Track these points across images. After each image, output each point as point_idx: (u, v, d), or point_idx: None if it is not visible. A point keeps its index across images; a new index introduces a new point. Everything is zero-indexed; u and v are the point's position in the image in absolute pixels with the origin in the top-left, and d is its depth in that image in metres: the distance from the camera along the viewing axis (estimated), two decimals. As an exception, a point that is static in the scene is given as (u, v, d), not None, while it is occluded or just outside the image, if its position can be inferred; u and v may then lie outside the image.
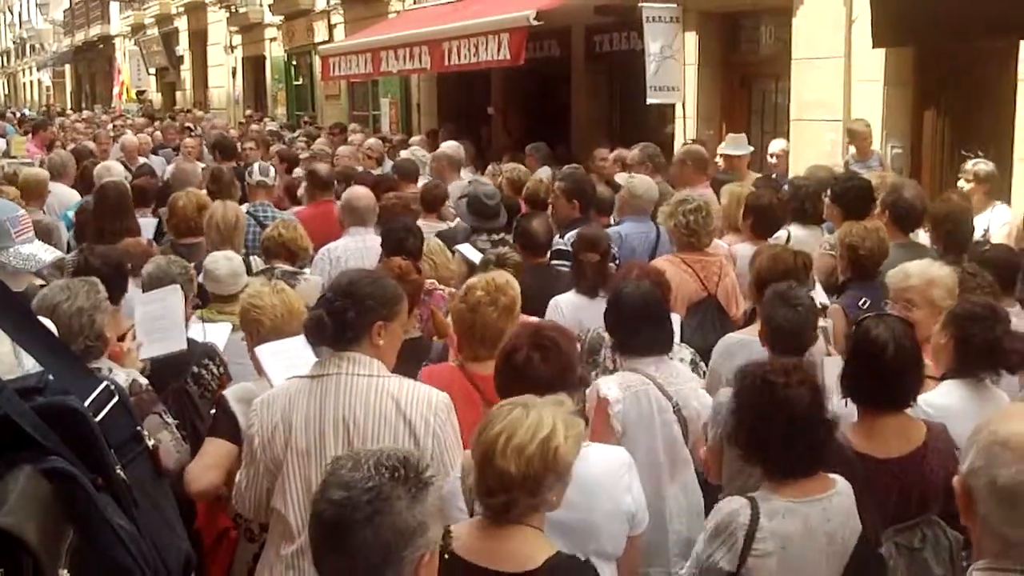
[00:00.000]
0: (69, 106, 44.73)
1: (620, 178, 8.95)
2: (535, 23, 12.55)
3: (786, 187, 8.17)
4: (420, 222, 7.51)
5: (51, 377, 1.85)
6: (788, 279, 5.05)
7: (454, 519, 3.31)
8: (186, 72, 34.43)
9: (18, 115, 33.09)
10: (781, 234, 7.05)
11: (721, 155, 10.43)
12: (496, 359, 3.91)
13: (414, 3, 19.47)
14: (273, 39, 26.85)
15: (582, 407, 3.17)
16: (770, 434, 3.50)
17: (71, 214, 8.90)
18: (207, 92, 32.29)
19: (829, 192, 7.22)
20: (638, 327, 4.66)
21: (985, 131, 9.99)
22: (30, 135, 18.73)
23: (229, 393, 4.33)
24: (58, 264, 5.53)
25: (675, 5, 12.91)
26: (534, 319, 4.82)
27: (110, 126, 22.63)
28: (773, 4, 12.20)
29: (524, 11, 12.85)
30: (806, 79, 11.53)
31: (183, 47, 34.23)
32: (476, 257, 6.50)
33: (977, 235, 7.19)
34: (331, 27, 22.92)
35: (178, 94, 35.30)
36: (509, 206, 8.28)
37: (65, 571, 1.66)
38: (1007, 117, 9.41)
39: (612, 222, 8.03)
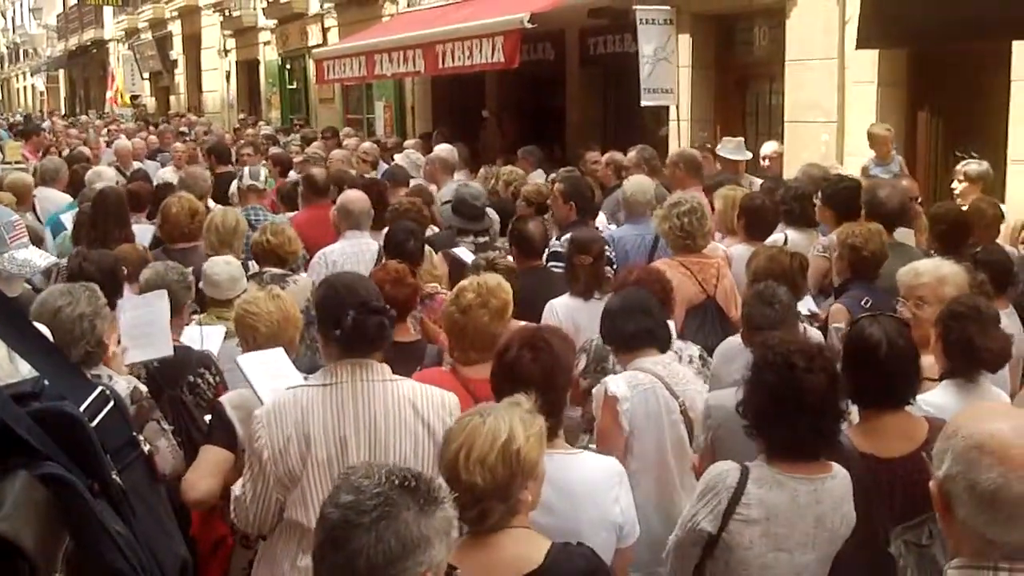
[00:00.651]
0: (63, 110, 44.70)
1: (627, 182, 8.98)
2: (529, 26, 12.56)
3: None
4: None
5: (46, 382, 1.85)
6: (785, 281, 5.07)
7: None
8: (180, 76, 34.41)
9: (11, 120, 33.06)
10: (778, 237, 7.05)
11: (717, 157, 10.46)
12: (492, 360, 3.91)
13: (408, 6, 19.48)
14: (267, 43, 26.85)
15: (538, 404, 3.15)
16: (778, 414, 3.52)
17: (65, 219, 8.86)
18: (201, 96, 32.28)
19: (820, 194, 7.23)
20: (624, 321, 4.65)
21: (979, 132, 10.03)
22: (23, 141, 18.70)
23: (226, 400, 4.30)
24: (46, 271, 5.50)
25: (668, 7, 12.92)
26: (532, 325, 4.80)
27: (104, 131, 22.61)
28: (766, 6, 12.23)
29: (518, 14, 12.87)
30: (800, 81, 11.55)
31: (177, 51, 34.22)
32: (470, 259, 6.51)
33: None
34: (325, 31, 22.93)
35: (172, 98, 35.28)
36: (504, 209, 8.28)
37: (61, 577, 1.66)
38: (1000, 118, 9.44)
39: (598, 225, 8.04)
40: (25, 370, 1.89)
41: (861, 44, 10.01)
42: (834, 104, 11.12)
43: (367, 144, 13.99)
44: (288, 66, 26.30)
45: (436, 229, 8.19)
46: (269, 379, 4.11)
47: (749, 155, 10.63)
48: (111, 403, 1.91)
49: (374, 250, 7.02)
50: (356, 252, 7.12)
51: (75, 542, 1.70)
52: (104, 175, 10.33)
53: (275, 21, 25.60)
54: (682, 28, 13.01)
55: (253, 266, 6.85)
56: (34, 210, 9.76)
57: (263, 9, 25.85)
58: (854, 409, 4.03)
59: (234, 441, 4.12)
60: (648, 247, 7.39)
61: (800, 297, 5.58)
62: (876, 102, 10.71)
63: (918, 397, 4.11)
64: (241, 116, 26.12)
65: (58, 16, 49.65)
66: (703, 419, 4.39)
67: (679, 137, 13.14)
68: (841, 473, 3.59)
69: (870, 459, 3.84)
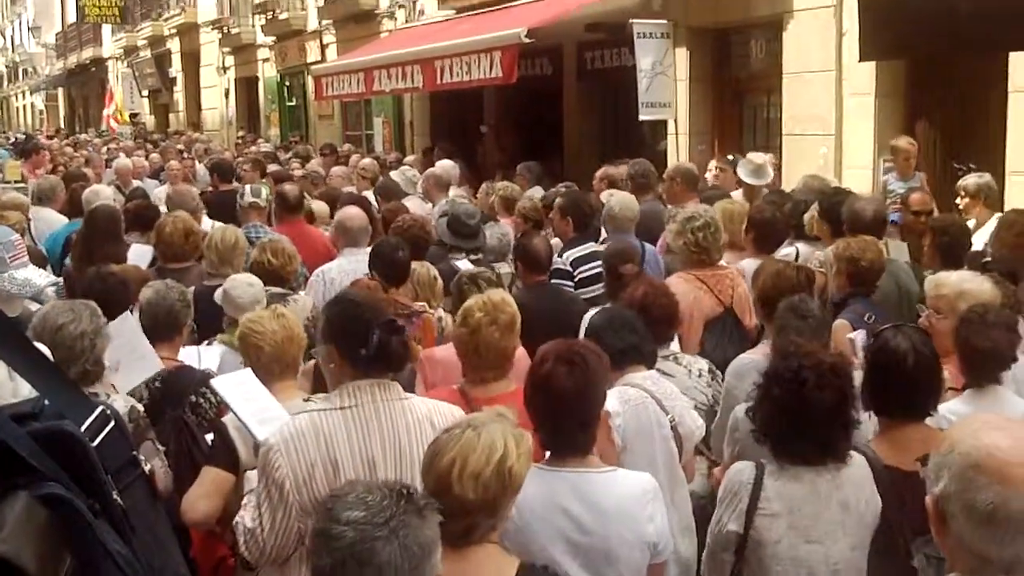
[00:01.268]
0: (63, 127, 44.76)
1: (604, 196, 8.95)
2: (526, 40, 12.57)
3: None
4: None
5: (47, 402, 1.85)
6: (793, 295, 5.07)
7: None
8: (179, 94, 34.48)
9: (12, 138, 33.09)
10: (789, 251, 7.05)
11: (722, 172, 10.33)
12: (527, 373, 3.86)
13: (406, 22, 19.53)
14: (266, 60, 26.90)
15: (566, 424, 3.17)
16: (784, 423, 3.56)
17: (60, 239, 8.85)
18: (200, 113, 32.34)
19: (816, 207, 7.15)
20: (612, 338, 4.58)
21: (977, 143, 10.05)
22: (23, 159, 18.71)
23: (229, 421, 4.23)
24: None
25: (665, 21, 12.97)
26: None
27: (104, 149, 22.63)
28: (763, 19, 12.25)
29: (515, 29, 12.89)
30: (797, 93, 11.57)
31: (176, 69, 34.29)
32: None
33: (979, 247, 7.15)
34: (323, 47, 22.98)
35: (171, 116, 35.35)
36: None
37: (63, 597, 1.66)
38: (999, 129, 9.45)
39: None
40: (25, 390, 1.89)
41: (864, 56, 10.02)
42: (832, 116, 11.13)
43: (367, 160, 14.01)
44: (287, 83, 26.36)
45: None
46: (245, 401, 4.08)
47: (770, 178, 10.05)
48: (112, 422, 1.91)
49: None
50: (354, 269, 7.10)
51: (76, 562, 1.70)
52: (102, 194, 10.30)
53: (274, 38, 25.65)
54: (679, 42, 13.05)
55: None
56: (29, 231, 9.69)
57: (262, 26, 25.91)
58: (873, 420, 4.06)
59: (236, 463, 4.10)
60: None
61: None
62: (874, 114, 10.72)
63: (940, 407, 4.14)
64: (240, 133, 26.15)
65: (57, 35, 49.74)
66: (729, 433, 4.37)
67: (677, 151, 13.16)
68: (858, 460, 3.61)
69: (894, 471, 3.84)
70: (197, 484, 4.15)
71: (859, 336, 5.19)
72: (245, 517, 3.72)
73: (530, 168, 12.28)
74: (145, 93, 36.78)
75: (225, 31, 28.36)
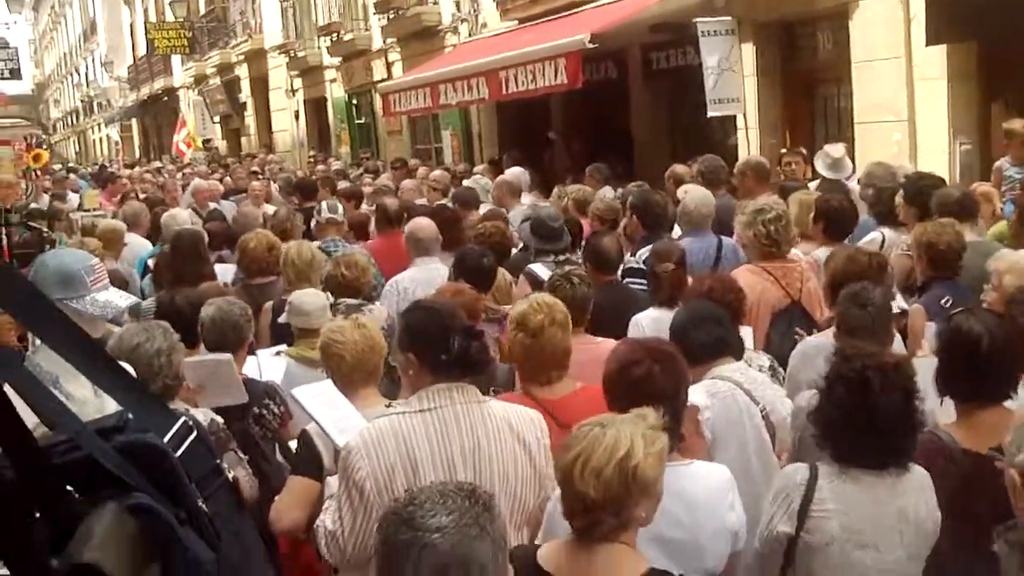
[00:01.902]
0: (138, 156, 45.66)
1: (679, 193, 8.91)
2: (590, 46, 12.57)
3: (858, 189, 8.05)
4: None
5: (130, 416, 1.87)
6: (863, 281, 5.00)
7: (561, 533, 3.26)
8: (250, 118, 34.94)
9: (90, 169, 33.83)
10: (875, 236, 6.98)
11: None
12: (607, 372, 3.84)
13: (469, 35, 19.62)
14: (333, 80, 27.16)
15: (667, 420, 3.13)
16: (848, 428, 3.48)
17: (150, 262, 9.06)
18: (272, 136, 32.74)
19: (902, 193, 7.12)
20: (698, 333, 4.58)
21: (1054, 121, 9.78)
22: (100, 189, 19.13)
23: (312, 430, 4.27)
24: (133, 311, 5.64)
25: (729, 18, 12.87)
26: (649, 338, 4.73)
27: (179, 175, 23.03)
28: (828, 9, 12.12)
29: (578, 35, 12.88)
30: (867, 81, 11.42)
31: (245, 94, 34.75)
32: (546, 275, 6.50)
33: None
34: (389, 65, 23.14)
35: (243, 140, 35.84)
36: (571, 225, 8.27)
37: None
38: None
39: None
40: (111, 407, 1.93)
41: (931, 40, 9.86)
42: (903, 102, 10.96)
43: (437, 172, 14.10)
44: (355, 102, 26.58)
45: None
46: (326, 410, 4.12)
47: (849, 170, 9.91)
48: (194, 432, 1.93)
49: (444, 275, 7.05)
50: (427, 278, 7.15)
51: (164, 571, 1.72)
52: (179, 217, 10.53)
53: (340, 59, 25.88)
54: (744, 37, 12.95)
55: (328, 297, 6.92)
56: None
57: (327, 48, 26.16)
58: (949, 405, 3.98)
59: (321, 472, 4.14)
60: (712, 258, 7.36)
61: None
62: (947, 97, 10.53)
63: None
64: (311, 153, 26.44)
65: (129, 68, 50.75)
66: (792, 419, 4.33)
67: (747, 145, 13.07)
68: (918, 470, 3.53)
69: (972, 455, 3.77)
70: (285, 493, 4.21)
71: (931, 326, 5.17)
72: (326, 520, 3.77)
73: (599, 169, 12.24)
74: (216, 119, 37.35)
75: (292, 55, 28.68)
